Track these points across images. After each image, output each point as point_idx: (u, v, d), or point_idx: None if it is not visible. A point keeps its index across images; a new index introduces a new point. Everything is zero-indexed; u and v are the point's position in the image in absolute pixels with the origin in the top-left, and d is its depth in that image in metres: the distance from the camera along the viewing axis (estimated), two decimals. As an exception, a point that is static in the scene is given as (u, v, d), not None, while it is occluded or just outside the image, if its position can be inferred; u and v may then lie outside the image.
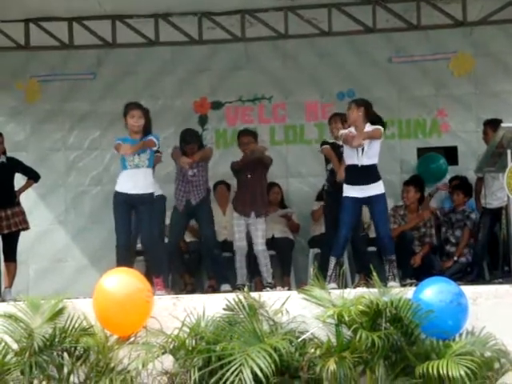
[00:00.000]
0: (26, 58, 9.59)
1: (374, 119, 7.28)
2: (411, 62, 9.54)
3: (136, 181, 7.05)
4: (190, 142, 8.03)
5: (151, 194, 7.18)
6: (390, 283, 6.80)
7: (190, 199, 7.95)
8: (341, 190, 7.21)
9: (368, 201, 7.09)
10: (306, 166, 9.50)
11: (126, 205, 7.08)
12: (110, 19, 9.09)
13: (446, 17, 9.04)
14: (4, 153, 8.18)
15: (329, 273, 6.99)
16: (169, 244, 8.11)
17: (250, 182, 8.02)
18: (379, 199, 7.06)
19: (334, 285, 6.73)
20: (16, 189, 8.29)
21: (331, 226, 7.74)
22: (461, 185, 8.75)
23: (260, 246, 7.96)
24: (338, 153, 7.67)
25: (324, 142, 7.99)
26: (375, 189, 7.05)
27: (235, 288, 7.61)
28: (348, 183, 7.10)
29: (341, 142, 7.30)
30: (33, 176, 8.36)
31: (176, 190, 8.03)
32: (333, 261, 7.09)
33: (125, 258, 7.00)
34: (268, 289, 7.71)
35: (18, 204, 8.15)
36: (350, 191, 7.07)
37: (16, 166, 8.21)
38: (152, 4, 8.70)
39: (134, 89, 9.49)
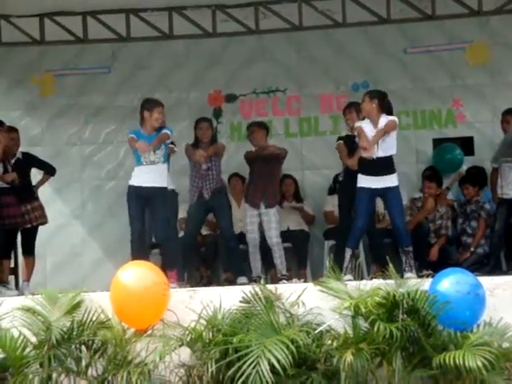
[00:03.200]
0: (40, 53, 9.62)
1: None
2: (426, 53, 9.47)
3: (150, 176, 7.14)
4: (203, 120, 8.08)
5: (165, 189, 7.25)
6: (407, 274, 6.79)
7: (202, 193, 7.95)
8: (355, 181, 7.19)
9: (383, 192, 7.07)
10: (320, 158, 9.48)
11: (139, 198, 7.14)
12: (123, 13, 9.10)
13: (461, 6, 8.98)
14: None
15: (345, 264, 6.97)
16: (184, 237, 8.13)
17: (262, 173, 8.00)
18: (394, 191, 7.05)
19: (350, 276, 6.72)
20: (33, 183, 8.32)
21: (346, 218, 7.73)
22: (467, 177, 8.71)
23: (274, 238, 7.94)
24: (353, 146, 7.64)
25: (339, 138, 7.95)
26: (390, 180, 7.04)
27: (251, 281, 7.62)
28: (363, 173, 7.09)
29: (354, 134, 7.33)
30: (49, 170, 8.39)
31: (190, 184, 8.04)
32: (348, 252, 7.08)
33: (139, 251, 7.04)
34: (284, 281, 7.70)
35: (37, 198, 8.20)
36: (365, 182, 7.05)
37: (32, 160, 8.25)
38: (166, -3, 8.71)
39: (148, 82, 9.50)
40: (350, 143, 7.68)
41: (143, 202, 7.17)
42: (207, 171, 7.97)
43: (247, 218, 8.08)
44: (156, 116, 7.23)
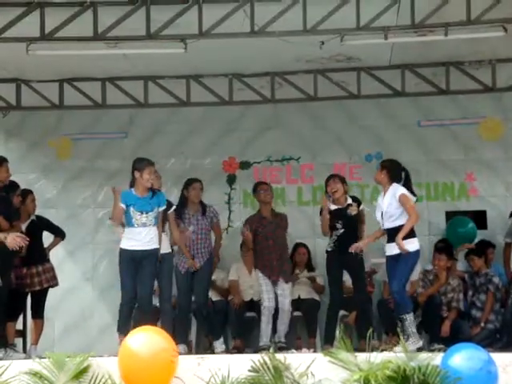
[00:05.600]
0: (58, 117, 9.77)
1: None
2: (440, 126, 9.57)
3: (141, 238, 7.12)
4: (196, 181, 8.11)
5: (156, 250, 7.21)
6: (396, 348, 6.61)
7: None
8: (344, 252, 7.43)
9: (396, 258, 7.07)
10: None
11: (131, 262, 7.12)
12: (142, 79, 9.26)
13: (475, 82, 9.09)
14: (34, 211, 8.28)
15: (408, 331, 6.84)
16: (180, 311, 8.05)
17: (273, 246, 7.99)
18: (404, 255, 7.01)
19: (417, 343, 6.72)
20: (45, 245, 8.36)
21: (332, 286, 7.80)
22: (472, 250, 8.70)
23: (287, 305, 7.95)
24: (344, 217, 7.73)
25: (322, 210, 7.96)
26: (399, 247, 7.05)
27: (260, 349, 7.55)
28: (387, 242, 7.21)
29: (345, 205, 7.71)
30: (59, 234, 8.43)
31: (177, 252, 7.96)
32: (407, 319, 6.94)
33: (127, 316, 7.01)
34: (293, 350, 7.61)
35: (48, 261, 8.23)
36: (388, 249, 7.18)
37: (43, 224, 8.30)
38: (184, 65, 8.85)
39: (164, 148, 9.61)
40: (339, 216, 7.74)
41: (135, 264, 7.12)
42: (200, 236, 7.94)
43: (263, 286, 8.03)
44: (146, 177, 7.18)
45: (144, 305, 7.19)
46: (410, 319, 6.91)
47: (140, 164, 7.26)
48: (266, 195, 8.14)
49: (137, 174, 7.22)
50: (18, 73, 9.02)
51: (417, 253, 7.07)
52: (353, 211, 7.74)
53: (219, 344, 7.90)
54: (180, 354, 7.04)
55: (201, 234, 7.99)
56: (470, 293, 8.51)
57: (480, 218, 9.46)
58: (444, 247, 8.69)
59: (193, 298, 8.13)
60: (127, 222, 7.18)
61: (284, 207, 9.53)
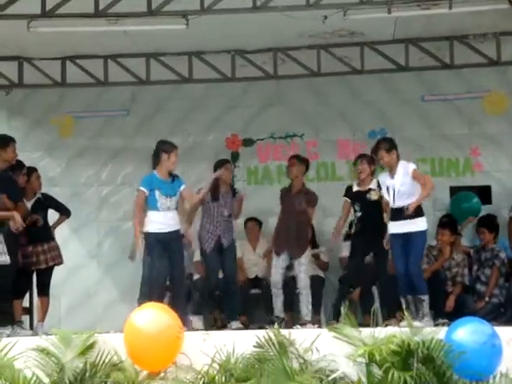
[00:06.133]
0: (61, 95, 9.75)
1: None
2: (444, 101, 9.52)
3: (166, 221, 7.16)
4: (228, 162, 8.12)
5: (179, 231, 7.27)
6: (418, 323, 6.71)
7: (221, 241, 7.91)
8: (367, 235, 7.43)
9: (406, 237, 7.07)
10: (336, 203, 9.45)
11: (160, 244, 7.14)
12: (144, 57, 9.22)
13: (479, 55, 9.03)
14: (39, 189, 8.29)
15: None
16: (208, 286, 8.11)
17: (288, 221, 7.94)
18: (415, 236, 7.03)
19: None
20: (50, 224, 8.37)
21: (353, 268, 7.81)
22: (484, 222, 8.67)
23: (302, 281, 7.90)
24: (364, 201, 7.70)
25: (348, 189, 7.94)
26: (413, 225, 7.05)
27: (272, 321, 7.58)
28: (391, 220, 7.20)
29: (366, 188, 7.58)
30: (64, 212, 8.44)
31: (204, 230, 7.94)
32: (403, 301, 7.07)
33: (153, 295, 7.02)
34: (298, 326, 7.64)
35: (54, 239, 8.25)
36: (393, 228, 7.15)
37: (49, 202, 8.31)
38: (185, 42, 8.81)
39: (166, 125, 9.59)
40: (359, 199, 7.72)
41: (163, 247, 7.16)
42: (229, 218, 7.96)
43: (274, 261, 8.02)
44: (174, 159, 7.26)
45: (178, 286, 7.27)
46: (426, 300, 7.01)
47: (168, 146, 7.30)
48: (293, 170, 8.05)
49: (164, 156, 7.22)
50: (20, 50, 8.99)
51: (426, 232, 7.13)
52: (373, 196, 7.66)
53: (235, 324, 7.89)
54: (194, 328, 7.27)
55: (230, 217, 7.99)
56: (475, 267, 8.51)
57: (484, 193, 9.45)
58: (448, 222, 8.68)
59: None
60: (151, 206, 7.19)
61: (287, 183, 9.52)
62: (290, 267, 8.05)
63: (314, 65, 9.19)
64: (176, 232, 7.25)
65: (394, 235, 7.14)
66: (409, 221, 7.04)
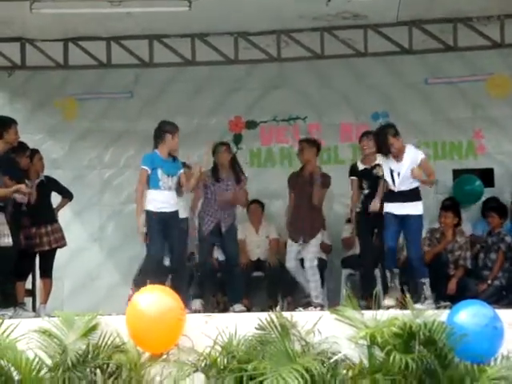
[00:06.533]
0: (63, 77, 9.73)
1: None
2: (447, 84, 9.48)
3: (168, 200, 7.17)
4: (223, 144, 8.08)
5: (178, 212, 7.29)
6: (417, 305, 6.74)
7: (220, 225, 7.88)
8: (375, 213, 7.34)
9: (404, 219, 7.06)
10: (339, 186, 9.42)
11: (160, 223, 7.15)
12: (147, 39, 9.19)
13: (483, 38, 8.99)
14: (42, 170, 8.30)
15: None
16: (199, 266, 8.11)
17: (298, 205, 7.89)
18: (413, 219, 7.04)
19: (391, 300, 6.78)
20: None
21: (365, 248, 7.76)
22: (495, 207, 8.66)
23: (307, 263, 7.84)
24: (370, 178, 7.66)
25: (353, 168, 7.91)
26: (411, 208, 7.05)
27: (304, 301, 7.71)
28: (387, 201, 7.16)
29: (372, 164, 7.52)
30: (67, 195, 8.45)
31: (204, 212, 7.92)
32: (388, 273, 7.11)
33: (158, 273, 7.04)
34: (312, 308, 7.64)
35: (57, 221, 8.27)
36: (389, 208, 7.13)
37: (52, 184, 8.32)
38: (189, 24, 8.78)
39: (170, 108, 9.56)
40: (366, 176, 7.70)
41: (163, 227, 7.17)
42: (229, 205, 7.93)
43: (288, 247, 7.97)
44: (177, 140, 7.27)
45: (179, 267, 7.27)
46: (427, 283, 7.03)
47: (172, 127, 7.30)
48: (304, 154, 7.97)
49: (168, 137, 7.21)
50: (22, 32, 8.97)
51: (422, 216, 7.12)
52: (380, 172, 7.59)
53: (238, 307, 7.89)
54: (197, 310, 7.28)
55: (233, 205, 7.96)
56: (482, 255, 8.49)
57: (487, 176, 9.43)
58: (451, 205, 8.67)
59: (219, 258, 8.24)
60: (152, 185, 7.16)
61: (291, 167, 9.52)
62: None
63: (318, 47, 9.15)
64: (176, 212, 7.25)
65: (389, 214, 7.10)
66: (407, 203, 7.03)
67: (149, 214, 7.16)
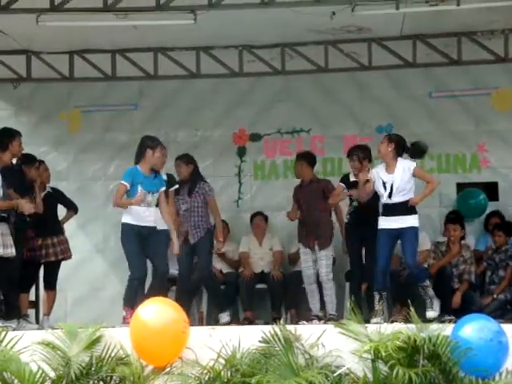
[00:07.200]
0: (69, 89, 9.77)
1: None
2: (451, 97, 9.50)
3: (146, 217, 7.08)
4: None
5: (156, 228, 7.19)
6: (429, 313, 6.76)
7: (188, 238, 7.91)
8: (361, 225, 7.49)
9: (399, 232, 7.06)
10: (343, 198, 9.48)
11: (137, 237, 7.06)
12: (152, 51, 9.23)
13: (487, 52, 9.02)
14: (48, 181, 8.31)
15: (375, 307, 6.96)
16: (180, 280, 8.10)
17: (307, 213, 7.90)
18: (410, 232, 7.03)
19: (379, 319, 6.76)
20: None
21: (353, 260, 7.87)
22: (501, 224, 8.66)
23: (323, 275, 7.81)
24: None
25: (345, 177, 7.94)
26: (406, 221, 7.03)
27: (311, 319, 7.66)
28: (382, 215, 7.15)
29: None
30: (72, 208, 8.46)
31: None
32: (376, 295, 7.07)
33: (137, 291, 7.00)
34: (316, 321, 7.62)
35: (63, 233, 8.28)
36: (384, 223, 7.10)
37: (59, 196, 8.34)
38: (194, 37, 8.81)
39: (174, 120, 9.60)
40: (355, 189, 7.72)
41: (140, 240, 7.06)
42: (191, 213, 7.91)
43: (302, 255, 7.97)
44: (158, 155, 7.17)
45: (163, 277, 7.20)
46: (428, 284, 7.14)
47: (153, 142, 7.21)
48: (296, 170, 8.10)
49: (149, 152, 7.14)
50: (28, 44, 9.02)
51: (418, 229, 7.12)
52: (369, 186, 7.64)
53: (224, 316, 7.90)
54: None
55: (193, 212, 7.94)
56: (489, 273, 8.48)
57: (491, 190, 9.43)
58: (456, 218, 8.66)
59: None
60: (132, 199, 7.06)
61: (294, 179, 9.52)
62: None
63: (322, 61, 9.18)
64: (154, 228, 7.13)
65: (383, 230, 7.08)
66: (402, 217, 7.02)
67: (124, 225, 7.06)
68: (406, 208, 7.04)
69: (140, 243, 7.05)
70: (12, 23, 7.98)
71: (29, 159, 7.82)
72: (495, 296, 8.28)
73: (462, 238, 8.54)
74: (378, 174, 7.18)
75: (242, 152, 9.82)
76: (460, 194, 9.44)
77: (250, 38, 9.05)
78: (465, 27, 8.84)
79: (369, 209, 7.57)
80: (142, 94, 9.85)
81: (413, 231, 7.05)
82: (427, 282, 7.16)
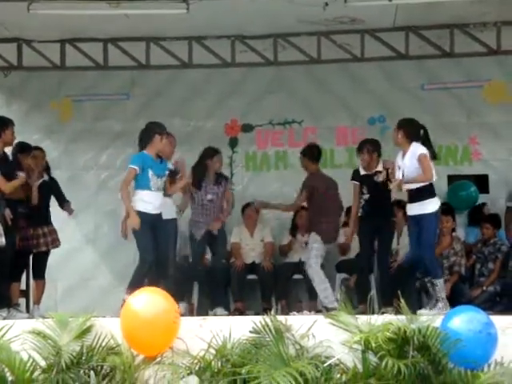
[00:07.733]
0: (60, 78, 9.73)
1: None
2: (443, 89, 9.50)
3: (158, 202, 7.12)
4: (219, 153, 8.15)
5: (161, 214, 7.21)
6: (432, 310, 6.71)
7: (210, 230, 8.00)
8: (375, 218, 7.48)
9: (417, 219, 6.95)
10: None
11: (149, 224, 7.08)
12: (144, 41, 9.20)
13: (479, 44, 9.03)
14: (47, 170, 8.26)
15: (438, 296, 6.83)
16: (191, 270, 8.23)
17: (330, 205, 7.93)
18: (424, 219, 6.89)
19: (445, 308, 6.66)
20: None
21: (363, 253, 7.80)
22: (490, 217, 8.69)
23: (312, 265, 7.81)
24: (371, 183, 7.72)
25: (355, 173, 7.94)
26: (421, 207, 6.93)
27: (320, 310, 7.63)
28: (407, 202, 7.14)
29: (373, 171, 7.59)
30: (63, 202, 8.38)
31: (195, 217, 8.02)
32: (438, 284, 6.90)
33: (145, 276, 7.02)
34: (306, 312, 7.64)
35: (51, 223, 8.25)
36: (407, 210, 7.10)
37: (54, 187, 8.29)
38: (186, 27, 8.79)
39: (166, 110, 9.56)
40: (366, 182, 7.75)
41: (150, 228, 7.08)
42: (213, 203, 7.98)
43: (314, 251, 7.91)
44: (165, 141, 7.21)
45: (167, 266, 7.22)
46: (440, 284, 6.87)
47: (162, 128, 7.20)
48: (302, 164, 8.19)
49: (157, 138, 7.12)
50: (19, 32, 8.98)
51: (436, 214, 6.95)
52: (380, 177, 7.65)
53: (220, 310, 7.91)
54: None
55: (216, 202, 8.04)
56: (478, 265, 8.51)
57: (482, 182, 9.45)
58: (448, 209, 8.67)
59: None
60: (142, 185, 7.05)
61: (286, 170, 9.54)
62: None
63: (315, 51, 9.18)
64: (160, 215, 7.17)
65: (410, 217, 7.06)
66: (416, 203, 6.93)
67: (141, 215, 7.05)
68: (418, 195, 6.93)
69: (151, 230, 7.07)
70: (3, 11, 7.93)
71: (24, 148, 7.79)
72: (484, 288, 8.32)
73: (453, 230, 8.56)
74: (396, 161, 7.15)
75: (233, 143, 9.81)
76: (451, 187, 9.46)
77: (243, 29, 9.03)
78: (457, 19, 8.85)
79: (380, 201, 7.58)
80: (133, 83, 9.82)
81: (430, 219, 6.83)
82: (439, 282, 6.86)
